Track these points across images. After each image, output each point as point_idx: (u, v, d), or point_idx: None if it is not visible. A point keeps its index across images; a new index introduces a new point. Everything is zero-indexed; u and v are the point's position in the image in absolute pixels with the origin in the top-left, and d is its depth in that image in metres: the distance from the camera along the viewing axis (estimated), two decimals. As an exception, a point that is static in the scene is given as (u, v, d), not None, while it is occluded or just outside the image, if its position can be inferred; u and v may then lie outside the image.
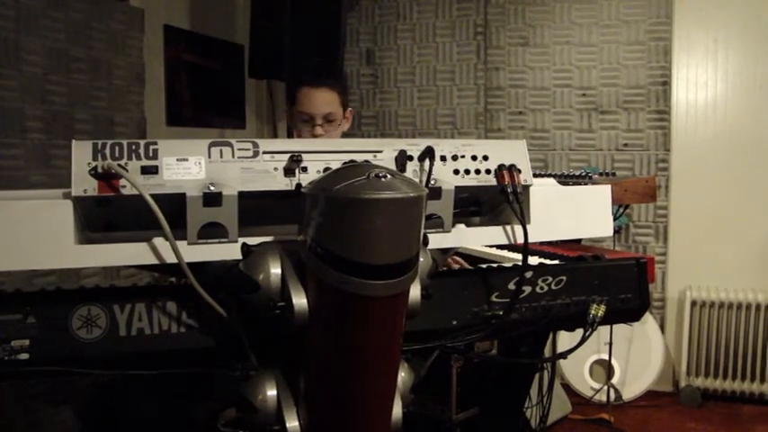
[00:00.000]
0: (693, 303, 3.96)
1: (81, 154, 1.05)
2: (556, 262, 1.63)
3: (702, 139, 4.05)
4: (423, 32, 4.50)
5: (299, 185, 1.10)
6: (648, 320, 3.99)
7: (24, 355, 1.06)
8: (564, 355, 1.49)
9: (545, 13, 4.23)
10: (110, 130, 3.36)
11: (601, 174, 2.48)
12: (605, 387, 3.88)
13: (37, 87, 2.95)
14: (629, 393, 3.95)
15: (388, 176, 0.89)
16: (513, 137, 4.31)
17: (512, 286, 1.37)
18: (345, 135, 2.43)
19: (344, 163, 1.11)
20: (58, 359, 1.07)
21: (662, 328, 4.11)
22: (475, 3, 4.37)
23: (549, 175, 2.43)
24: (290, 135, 3.65)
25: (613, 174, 2.45)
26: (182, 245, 1.08)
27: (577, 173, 2.54)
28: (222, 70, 4.33)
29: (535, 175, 1.35)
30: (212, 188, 1.08)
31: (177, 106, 3.92)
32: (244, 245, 1.07)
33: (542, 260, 1.68)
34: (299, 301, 1.00)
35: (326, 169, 1.14)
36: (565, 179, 2.49)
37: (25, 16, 2.88)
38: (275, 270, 1.04)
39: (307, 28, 3.90)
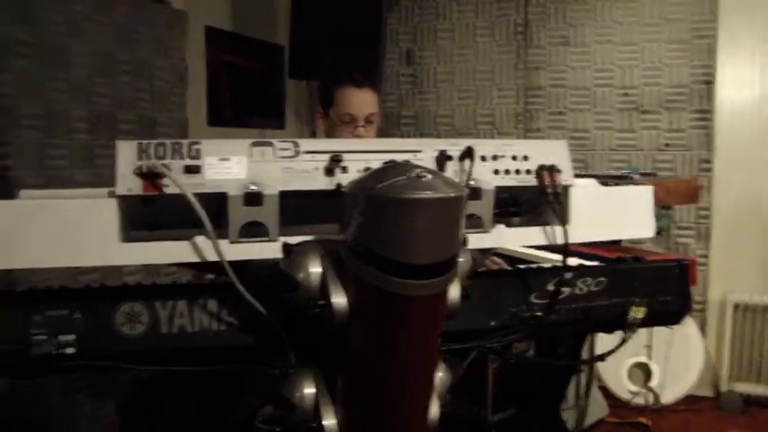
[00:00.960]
0: (736, 307, 3.89)
1: (126, 154, 1.07)
2: (595, 263, 1.61)
3: (747, 139, 3.96)
4: (462, 32, 4.49)
5: (339, 186, 1.11)
6: (689, 323, 3.92)
7: (71, 350, 1.07)
8: (602, 357, 1.47)
9: (586, 12, 4.19)
10: (153, 130, 3.42)
11: (642, 174, 2.45)
12: (644, 390, 3.82)
13: (83, 89, 3.02)
14: (668, 397, 3.89)
15: (429, 176, 0.89)
16: (553, 137, 4.28)
17: (551, 287, 1.36)
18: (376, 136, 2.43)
19: (385, 163, 1.11)
20: (103, 354, 1.09)
21: (702, 331, 4.03)
22: (515, 2, 4.36)
23: (590, 176, 2.40)
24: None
25: (654, 174, 2.43)
26: (223, 243, 1.10)
27: (618, 173, 2.52)
28: (263, 71, 4.37)
29: (576, 176, 1.33)
30: (253, 188, 1.09)
31: (218, 107, 3.97)
32: (285, 244, 1.08)
33: (582, 261, 1.66)
34: (339, 299, 1.01)
35: (366, 169, 1.14)
36: (606, 180, 2.46)
37: (73, 20, 2.95)
38: (315, 269, 1.05)
39: (347, 28, 3.91)
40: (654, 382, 3.87)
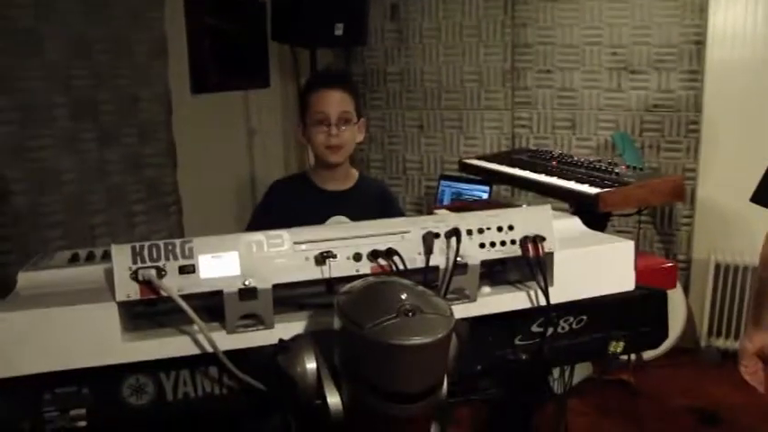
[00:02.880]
0: (717, 266, 3.97)
1: (121, 259, 1.10)
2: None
3: (735, 100, 3.92)
4: (448, -13, 4.38)
5: (329, 284, 1.15)
6: (672, 282, 4.01)
7: (82, 423, 1.14)
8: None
9: (575, -33, 4.09)
10: (134, 107, 3.36)
11: (628, 167, 2.47)
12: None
13: (61, 75, 2.95)
14: (650, 353, 4.00)
15: (417, 313, 0.93)
16: (541, 96, 4.27)
17: (535, 329, 1.42)
18: (359, 145, 2.40)
19: (369, 279, 1.11)
20: (113, 424, 1.16)
21: (686, 289, 4.13)
22: (502, -43, 4.24)
23: (572, 164, 2.37)
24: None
25: (641, 168, 2.44)
26: (221, 335, 1.15)
27: (602, 165, 2.53)
28: (245, 30, 4.27)
29: (553, 210, 1.37)
30: (247, 283, 1.13)
31: (201, 73, 3.90)
32: (280, 340, 1.13)
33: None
34: (334, 400, 1.06)
35: (356, 255, 1.18)
36: (588, 172, 2.48)
37: (44, 3, 2.85)
38: (311, 365, 1.09)
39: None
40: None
